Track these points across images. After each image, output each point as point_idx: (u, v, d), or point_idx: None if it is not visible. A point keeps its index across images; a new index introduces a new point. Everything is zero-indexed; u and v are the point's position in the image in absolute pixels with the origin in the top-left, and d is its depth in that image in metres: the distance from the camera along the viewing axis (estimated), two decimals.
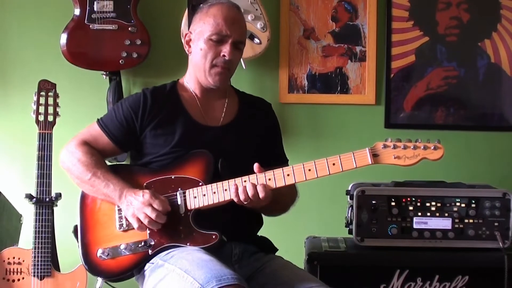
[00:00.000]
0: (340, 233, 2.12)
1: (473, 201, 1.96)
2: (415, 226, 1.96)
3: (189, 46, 1.70)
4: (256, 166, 1.54)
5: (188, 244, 1.55)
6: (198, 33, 1.67)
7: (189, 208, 1.57)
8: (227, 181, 1.55)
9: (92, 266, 1.61)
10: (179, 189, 1.58)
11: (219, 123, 1.69)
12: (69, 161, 1.66)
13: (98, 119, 1.71)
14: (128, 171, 1.67)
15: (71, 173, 1.66)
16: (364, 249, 1.98)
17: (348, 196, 2.05)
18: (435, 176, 2.24)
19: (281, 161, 1.74)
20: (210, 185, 1.56)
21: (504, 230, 1.94)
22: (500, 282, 1.88)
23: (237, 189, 1.52)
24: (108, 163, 1.70)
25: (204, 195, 1.56)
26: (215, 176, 1.58)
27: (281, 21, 2.50)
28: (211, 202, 1.55)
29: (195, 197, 1.56)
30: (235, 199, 1.53)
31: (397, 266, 1.93)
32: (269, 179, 1.53)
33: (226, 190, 1.54)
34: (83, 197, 1.67)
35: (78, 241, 1.65)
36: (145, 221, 1.53)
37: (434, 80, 2.50)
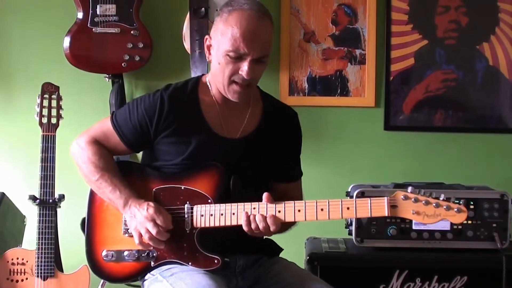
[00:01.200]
0: (340, 234, 2.13)
1: (472, 203, 1.97)
2: (414, 227, 1.96)
3: (209, 53, 1.57)
4: (265, 196, 1.48)
5: (190, 263, 1.52)
6: (217, 43, 1.53)
7: (195, 226, 1.52)
8: (236, 204, 1.49)
9: (95, 266, 1.60)
10: (188, 202, 1.53)
11: (237, 135, 1.59)
12: (78, 157, 1.62)
13: (112, 116, 1.63)
14: (140, 172, 1.61)
15: (80, 169, 1.63)
16: (363, 250, 1.99)
17: (348, 198, 2.05)
18: (434, 178, 2.26)
19: (295, 176, 1.69)
20: (218, 205, 1.51)
21: (502, 231, 1.95)
22: (498, 282, 1.89)
23: (248, 218, 1.46)
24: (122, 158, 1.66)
25: (212, 215, 1.50)
26: (225, 193, 1.53)
27: (282, 25, 2.51)
28: (217, 224, 1.50)
29: (202, 215, 1.51)
30: (245, 229, 1.47)
31: (396, 267, 1.94)
32: (279, 211, 1.46)
33: (234, 214, 1.48)
34: (92, 191, 1.63)
35: (84, 235, 1.62)
36: (146, 236, 1.49)
37: (433, 83, 2.52)
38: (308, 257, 1.97)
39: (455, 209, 1.38)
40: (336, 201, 1.45)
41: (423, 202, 1.39)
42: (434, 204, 1.39)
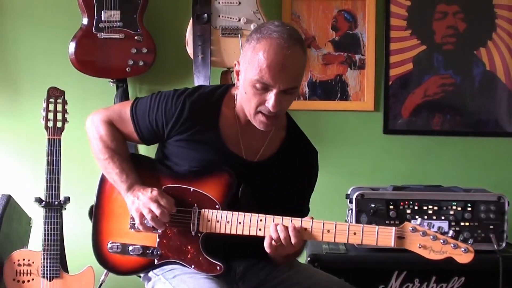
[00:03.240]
0: (336, 242, 2.16)
1: (469, 205, 1.99)
2: None
3: (237, 79, 1.51)
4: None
5: (192, 266, 1.51)
6: (244, 70, 1.47)
7: (200, 230, 1.51)
8: (243, 214, 1.47)
9: (100, 256, 1.60)
10: (195, 205, 1.52)
11: (256, 158, 1.55)
12: (91, 132, 1.61)
13: (132, 105, 1.59)
14: (151, 167, 1.59)
15: (91, 144, 1.62)
16: (363, 251, 2.00)
17: (348, 200, 2.08)
18: (432, 180, 2.29)
19: (302, 213, 1.58)
20: (226, 212, 1.49)
21: (499, 232, 1.97)
22: (495, 283, 1.91)
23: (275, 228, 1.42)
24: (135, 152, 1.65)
25: (218, 221, 1.49)
26: (233, 200, 1.51)
27: None
28: (222, 231, 1.49)
29: (209, 221, 1.50)
30: (267, 240, 1.42)
31: (395, 268, 1.96)
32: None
33: (240, 223, 1.47)
34: (102, 180, 1.62)
35: (91, 222, 1.62)
36: (148, 217, 1.47)
37: (431, 88, 2.53)
38: (308, 258, 1.98)
39: (462, 249, 1.36)
40: (344, 225, 1.42)
41: (431, 237, 1.37)
42: (441, 241, 1.37)
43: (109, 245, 1.59)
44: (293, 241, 1.42)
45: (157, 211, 1.48)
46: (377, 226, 1.40)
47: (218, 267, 1.50)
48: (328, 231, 1.42)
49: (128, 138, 1.62)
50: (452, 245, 1.36)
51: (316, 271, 1.70)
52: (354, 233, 1.41)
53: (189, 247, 1.53)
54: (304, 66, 1.49)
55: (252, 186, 1.52)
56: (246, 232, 1.48)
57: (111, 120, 1.60)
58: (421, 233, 1.37)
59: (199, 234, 1.52)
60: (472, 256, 1.37)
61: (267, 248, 1.45)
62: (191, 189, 1.54)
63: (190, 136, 1.54)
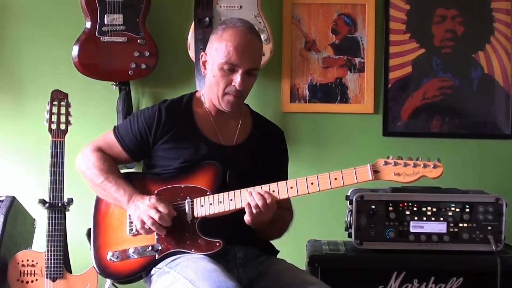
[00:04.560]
0: (340, 236, 2.16)
1: (467, 206, 2.00)
2: (411, 230, 1.99)
3: (205, 68, 1.71)
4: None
5: (193, 250, 1.58)
6: (212, 58, 1.67)
7: (196, 216, 1.60)
8: (233, 191, 1.59)
9: (102, 268, 1.65)
10: (188, 197, 1.62)
11: (233, 142, 1.71)
12: (83, 165, 1.72)
13: (114, 129, 1.75)
14: (140, 179, 1.71)
15: (85, 176, 1.72)
16: (363, 252, 2.01)
17: (348, 201, 2.08)
18: (431, 182, 2.28)
19: None
20: (216, 195, 1.60)
21: (497, 233, 1.97)
22: (493, 283, 1.91)
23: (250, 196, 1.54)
24: (122, 171, 1.73)
25: (211, 204, 1.59)
26: (222, 187, 1.62)
27: (284, 34, 2.54)
28: (217, 211, 1.59)
29: (202, 205, 1.60)
30: (247, 209, 1.55)
31: (394, 268, 1.96)
32: (273, 191, 1.56)
33: (231, 200, 1.58)
34: (98, 201, 1.72)
35: (90, 244, 1.69)
36: (149, 222, 1.57)
37: (430, 90, 2.55)
38: (309, 259, 1.99)
39: (432, 166, 1.49)
40: (324, 174, 1.54)
41: (402, 164, 1.50)
42: (412, 165, 1.49)
43: (109, 255, 1.65)
44: (268, 201, 1.54)
45: (155, 216, 1.57)
46: (354, 168, 1.53)
47: (217, 243, 1.58)
48: (312, 183, 1.54)
49: (118, 160, 1.74)
50: (422, 165, 1.49)
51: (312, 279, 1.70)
52: (335, 178, 1.53)
53: (187, 234, 1.61)
54: (261, 53, 1.71)
55: (235, 168, 1.64)
56: (238, 206, 1.57)
57: (99, 147, 1.73)
58: (392, 164, 1.51)
59: (195, 221, 1.61)
60: (441, 169, 1.49)
61: (248, 217, 1.56)
62: (182, 186, 1.64)
63: (172, 136, 1.68)
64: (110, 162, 1.71)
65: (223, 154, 1.67)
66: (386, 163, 1.51)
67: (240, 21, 1.68)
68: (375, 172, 1.52)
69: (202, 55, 1.72)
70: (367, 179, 1.52)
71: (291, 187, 1.56)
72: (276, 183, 1.58)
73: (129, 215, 1.65)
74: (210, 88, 1.70)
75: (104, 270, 1.66)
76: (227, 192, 1.60)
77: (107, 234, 1.68)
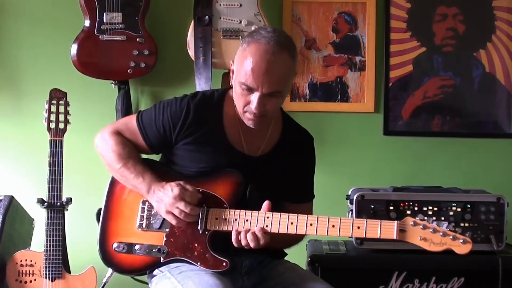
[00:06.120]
0: (340, 236, 2.18)
1: (469, 206, 2.00)
2: None
3: (232, 77, 1.59)
4: (265, 204, 1.51)
5: (199, 263, 1.54)
6: (236, 70, 1.56)
7: (208, 228, 1.54)
8: (250, 211, 1.51)
9: (106, 255, 1.62)
10: (204, 205, 1.55)
11: (257, 153, 1.62)
12: (102, 147, 1.65)
13: (138, 117, 1.65)
14: (161, 170, 1.63)
15: (104, 159, 1.66)
16: (363, 252, 2.02)
17: (348, 201, 2.09)
18: (432, 181, 2.30)
19: (307, 198, 1.72)
20: (233, 210, 1.53)
21: (498, 233, 1.98)
22: (494, 283, 1.92)
23: (237, 236, 1.49)
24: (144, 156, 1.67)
25: (225, 219, 1.53)
26: (242, 200, 1.56)
27: None
28: (230, 228, 1.52)
29: (217, 218, 1.53)
30: (235, 243, 1.50)
31: (395, 268, 1.97)
32: (292, 223, 1.48)
33: (247, 220, 1.50)
34: (112, 183, 1.66)
35: (98, 225, 1.65)
36: (181, 216, 1.51)
37: (431, 89, 2.54)
38: (309, 259, 2.00)
39: (461, 240, 1.42)
40: (348, 220, 1.47)
41: (431, 230, 1.43)
42: (441, 233, 1.43)
43: (115, 245, 1.62)
44: (261, 242, 1.48)
45: (186, 209, 1.51)
46: (380, 221, 1.45)
47: (224, 263, 1.53)
48: (333, 226, 1.46)
49: (136, 148, 1.66)
50: (451, 237, 1.42)
51: (315, 278, 1.70)
52: (358, 227, 1.45)
53: (196, 245, 1.55)
54: (290, 71, 1.55)
55: (255, 180, 1.56)
56: (253, 230, 1.50)
57: (119, 131, 1.66)
58: (421, 226, 1.43)
59: (206, 232, 1.55)
60: (470, 246, 1.42)
61: (234, 243, 1.51)
62: (200, 190, 1.57)
63: (196, 139, 1.60)
64: (129, 147, 1.63)
65: (245, 165, 1.58)
66: (415, 224, 1.43)
67: (267, 35, 1.50)
68: (401, 231, 1.44)
69: (231, 63, 1.59)
70: (390, 237, 1.44)
71: (311, 224, 1.47)
72: (296, 215, 1.48)
73: (142, 208, 1.61)
74: (234, 99, 1.59)
75: (107, 257, 1.62)
76: (244, 211, 1.52)
77: (117, 222, 1.63)
